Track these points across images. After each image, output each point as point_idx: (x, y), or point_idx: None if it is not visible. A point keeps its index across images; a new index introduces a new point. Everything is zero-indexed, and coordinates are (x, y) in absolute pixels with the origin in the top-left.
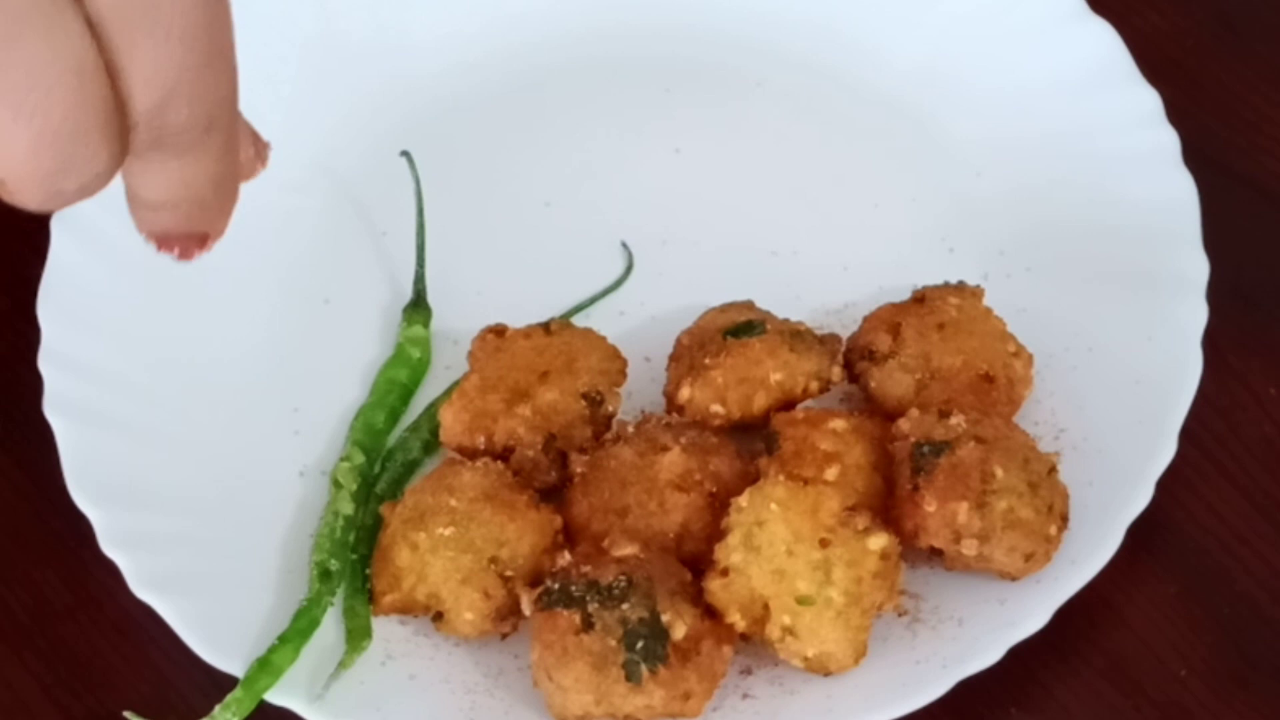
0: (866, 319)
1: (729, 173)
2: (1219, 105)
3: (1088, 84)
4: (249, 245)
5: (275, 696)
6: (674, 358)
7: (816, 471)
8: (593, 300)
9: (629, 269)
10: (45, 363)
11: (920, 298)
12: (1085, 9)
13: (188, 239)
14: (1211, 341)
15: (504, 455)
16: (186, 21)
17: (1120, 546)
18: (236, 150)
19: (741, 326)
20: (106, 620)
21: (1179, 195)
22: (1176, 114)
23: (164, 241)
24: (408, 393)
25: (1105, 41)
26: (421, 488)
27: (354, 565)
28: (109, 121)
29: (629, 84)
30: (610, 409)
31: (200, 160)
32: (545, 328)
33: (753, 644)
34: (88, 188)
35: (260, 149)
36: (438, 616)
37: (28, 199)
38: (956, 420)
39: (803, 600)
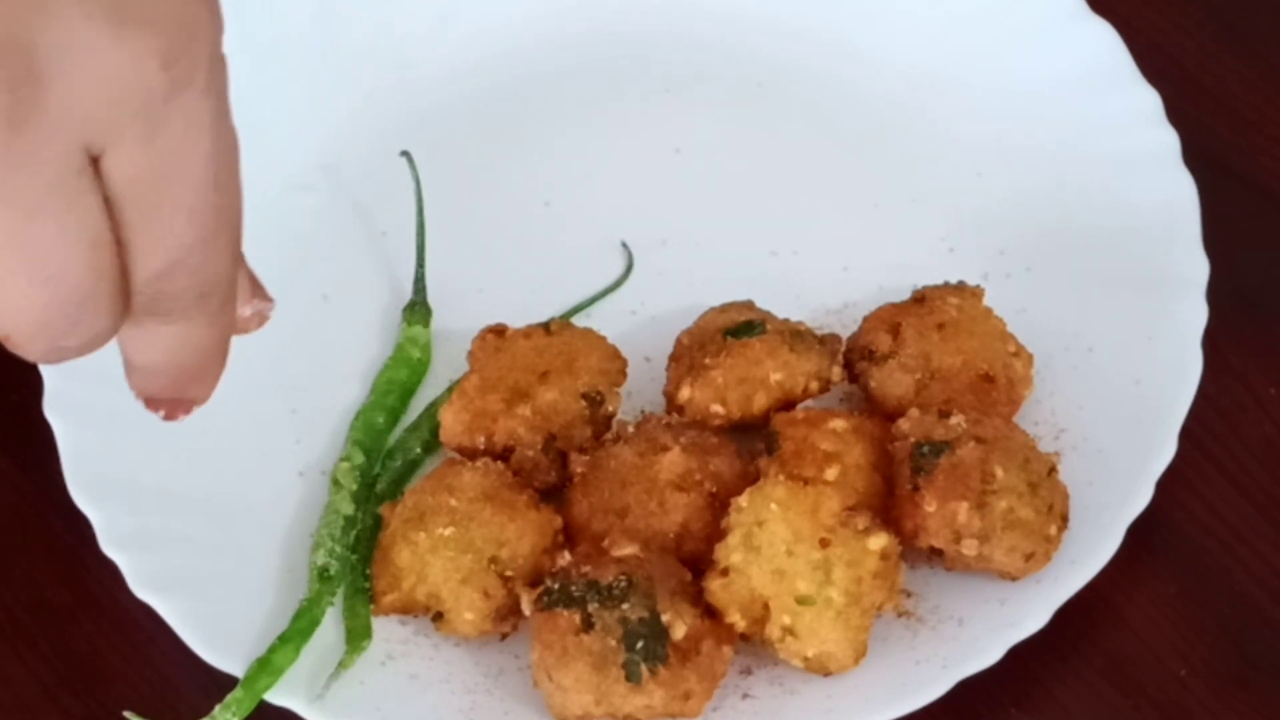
0: (866, 319)
1: (729, 173)
2: (1219, 105)
3: (1088, 84)
4: (249, 247)
5: (275, 696)
6: (674, 358)
7: (816, 471)
8: (593, 300)
9: (629, 269)
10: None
11: (920, 298)
12: (1085, 9)
13: (174, 403)
14: (1211, 341)
15: (504, 455)
16: (197, 203)
17: (1120, 546)
18: (230, 317)
19: (741, 326)
20: (106, 620)
21: (1179, 195)
22: (1176, 114)
23: (151, 403)
24: (408, 393)
25: (1105, 41)
26: (421, 488)
27: (354, 565)
28: (112, 289)
29: (629, 84)
30: (610, 409)
31: (190, 327)
32: (545, 328)
33: (753, 644)
34: (87, 346)
35: (261, 308)
36: (438, 616)
37: (30, 353)
38: (956, 420)
39: (803, 600)
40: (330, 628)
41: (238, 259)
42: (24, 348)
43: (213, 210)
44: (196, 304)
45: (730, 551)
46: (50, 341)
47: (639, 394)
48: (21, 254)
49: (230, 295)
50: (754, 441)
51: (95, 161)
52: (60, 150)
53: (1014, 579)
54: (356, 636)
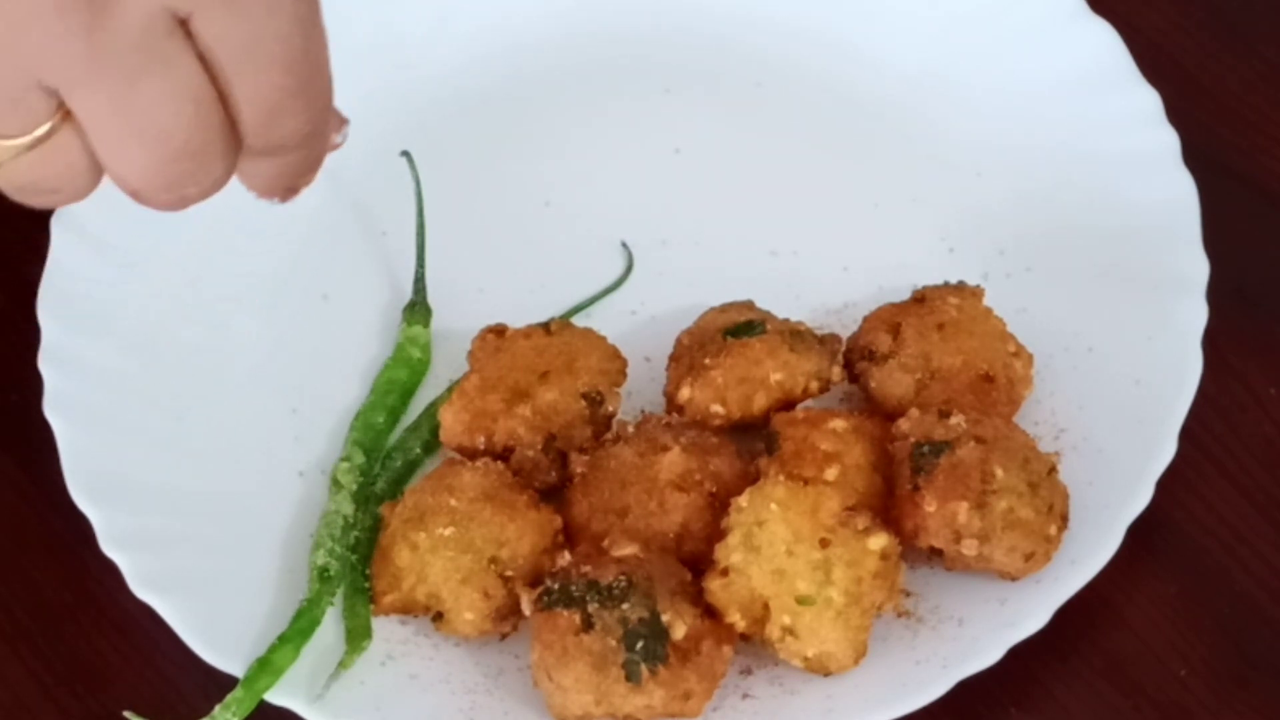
0: (866, 319)
1: (729, 173)
2: (1219, 105)
3: (1088, 84)
4: (249, 247)
5: (275, 696)
6: (674, 358)
7: (816, 471)
8: (593, 300)
9: (629, 269)
10: (45, 363)
11: (920, 298)
12: (1085, 9)
13: (287, 191)
14: (1211, 341)
15: (504, 455)
16: (286, 52)
17: (1120, 546)
18: (327, 140)
19: (741, 326)
20: (106, 620)
21: (1179, 195)
22: (1176, 114)
23: (264, 194)
24: (408, 393)
25: (1105, 41)
26: (421, 488)
27: (354, 565)
28: (223, 138)
29: (629, 84)
30: (610, 409)
31: (301, 156)
32: (545, 328)
33: (753, 644)
34: (208, 191)
35: (341, 127)
36: (438, 616)
37: (157, 205)
38: (956, 420)
39: (803, 600)
40: (330, 628)
41: (331, 98)
42: (151, 201)
43: (304, 58)
44: (302, 143)
45: (730, 551)
46: (173, 193)
47: (639, 394)
48: (130, 117)
49: (328, 126)
50: (754, 441)
51: (186, 24)
52: (144, 19)
53: (1014, 579)
54: (356, 636)
